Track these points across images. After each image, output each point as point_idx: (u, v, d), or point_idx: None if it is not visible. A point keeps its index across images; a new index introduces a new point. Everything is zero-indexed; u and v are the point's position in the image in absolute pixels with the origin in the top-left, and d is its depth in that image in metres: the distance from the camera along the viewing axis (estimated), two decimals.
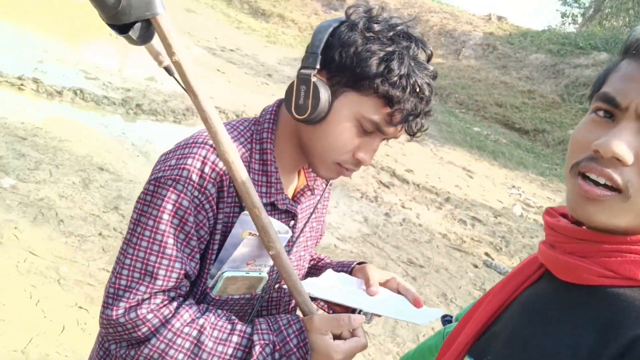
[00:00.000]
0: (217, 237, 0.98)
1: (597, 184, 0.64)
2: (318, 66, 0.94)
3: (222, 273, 0.97)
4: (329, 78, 0.95)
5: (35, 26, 8.26)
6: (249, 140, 1.01)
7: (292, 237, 1.08)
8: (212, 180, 0.93)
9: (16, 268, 2.87)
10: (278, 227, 0.98)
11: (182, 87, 0.84)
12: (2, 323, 2.48)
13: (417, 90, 0.93)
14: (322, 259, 1.31)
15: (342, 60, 0.92)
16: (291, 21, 17.32)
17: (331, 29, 0.95)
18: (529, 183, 9.11)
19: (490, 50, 16.02)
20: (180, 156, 0.95)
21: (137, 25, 0.74)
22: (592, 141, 0.65)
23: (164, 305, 0.93)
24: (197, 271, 0.99)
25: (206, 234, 0.96)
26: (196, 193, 0.92)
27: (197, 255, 0.97)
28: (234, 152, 0.85)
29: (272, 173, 1.01)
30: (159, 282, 0.92)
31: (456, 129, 11.43)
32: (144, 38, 0.76)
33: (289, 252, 1.07)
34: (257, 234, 0.94)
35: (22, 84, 5.58)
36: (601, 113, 0.67)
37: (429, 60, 0.98)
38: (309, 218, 1.12)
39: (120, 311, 0.91)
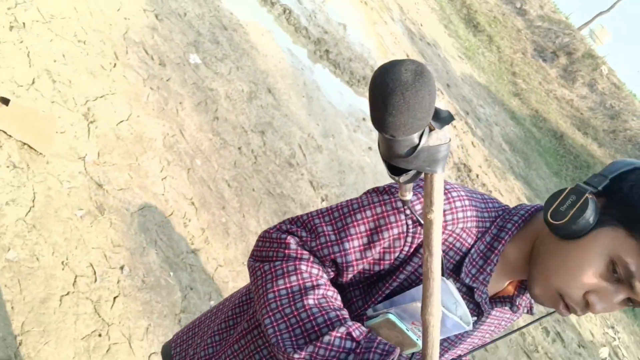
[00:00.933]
0: (402, 276, 0.95)
1: None
2: (600, 188, 0.86)
3: (388, 313, 0.94)
4: (604, 206, 0.87)
5: None
6: (491, 220, 0.96)
7: (466, 333, 1.02)
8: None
9: (163, 139, 3.05)
10: (464, 314, 0.92)
11: (418, 219, 0.89)
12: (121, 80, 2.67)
13: None
14: None
15: (629, 194, 0.84)
16: (496, 47, 16.75)
17: (633, 167, 0.87)
18: (629, 334, 8.36)
19: None
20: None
21: (411, 173, 0.72)
22: None
23: (306, 251, 0.96)
24: (349, 278, 0.98)
25: (389, 262, 0.94)
26: (409, 222, 0.91)
27: (361, 266, 0.96)
28: (438, 318, 0.80)
29: (491, 262, 0.95)
30: (313, 244, 0.95)
31: None
32: (408, 181, 0.74)
33: (453, 345, 1.04)
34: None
35: None
36: None
37: None
38: (490, 331, 1.06)
39: (277, 228, 0.99)
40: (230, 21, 4.81)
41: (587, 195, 0.85)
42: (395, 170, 0.73)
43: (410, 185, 0.78)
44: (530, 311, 1.06)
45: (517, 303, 1.02)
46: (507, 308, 1.03)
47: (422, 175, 0.73)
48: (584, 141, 15.32)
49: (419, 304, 0.92)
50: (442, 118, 0.68)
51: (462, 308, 0.91)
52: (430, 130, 0.68)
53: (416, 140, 0.66)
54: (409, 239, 0.92)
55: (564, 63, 17.85)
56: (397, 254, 0.93)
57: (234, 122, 3.76)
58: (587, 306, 0.88)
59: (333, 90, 5.85)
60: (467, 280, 0.95)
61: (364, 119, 5.91)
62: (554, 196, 0.89)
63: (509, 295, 1.02)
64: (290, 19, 6.02)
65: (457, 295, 0.91)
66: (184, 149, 3.14)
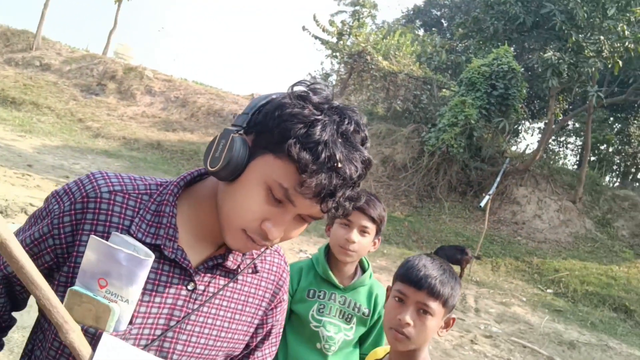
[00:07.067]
0: (79, 260, 0.91)
1: None
2: (244, 125, 0.91)
3: (71, 287, 0.88)
4: (253, 140, 0.91)
5: None
6: (147, 191, 1.00)
7: (192, 297, 0.99)
8: (74, 200, 0.95)
9: None
10: (138, 248, 0.91)
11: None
12: None
13: (335, 164, 0.84)
14: None
15: (266, 121, 0.89)
16: (47, 108, 16.08)
17: (268, 99, 0.93)
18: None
19: None
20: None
21: None
22: None
23: None
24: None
25: (51, 256, 0.95)
26: (56, 211, 0.95)
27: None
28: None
29: (166, 215, 0.96)
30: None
31: None
32: None
33: (188, 316, 0.98)
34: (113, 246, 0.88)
35: None
36: None
37: (362, 144, 0.90)
38: (215, 294, 1.01)
39: None
40: None
41: (232, 135, 0.89)
42: None
43: None
44: (255, 270, 1.08)
45: (232, 259, 1.02)
46: (218, 269, 1.03)
47: None
48: (178, 136, 16.32)
49: (90, 254, 0.87)
50: None
51: (137, 245, 0.91)
52: None
53: None
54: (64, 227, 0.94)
55: (115, 87, 18.34)
56: (58, 242, 0.94)
57: None
58: (266, 235, 0.91)
59: None
60: (148, 240, 0.94)
61: None
62: (209, 146, 0.92)
63: (221, 254, 1.02)
64: None
65: (129, 238, 0.92)
66: None
